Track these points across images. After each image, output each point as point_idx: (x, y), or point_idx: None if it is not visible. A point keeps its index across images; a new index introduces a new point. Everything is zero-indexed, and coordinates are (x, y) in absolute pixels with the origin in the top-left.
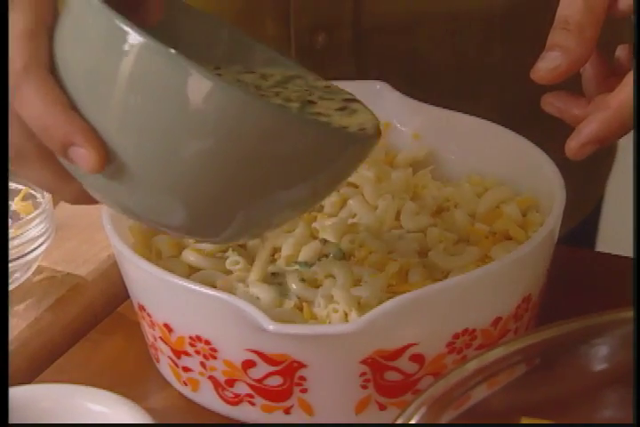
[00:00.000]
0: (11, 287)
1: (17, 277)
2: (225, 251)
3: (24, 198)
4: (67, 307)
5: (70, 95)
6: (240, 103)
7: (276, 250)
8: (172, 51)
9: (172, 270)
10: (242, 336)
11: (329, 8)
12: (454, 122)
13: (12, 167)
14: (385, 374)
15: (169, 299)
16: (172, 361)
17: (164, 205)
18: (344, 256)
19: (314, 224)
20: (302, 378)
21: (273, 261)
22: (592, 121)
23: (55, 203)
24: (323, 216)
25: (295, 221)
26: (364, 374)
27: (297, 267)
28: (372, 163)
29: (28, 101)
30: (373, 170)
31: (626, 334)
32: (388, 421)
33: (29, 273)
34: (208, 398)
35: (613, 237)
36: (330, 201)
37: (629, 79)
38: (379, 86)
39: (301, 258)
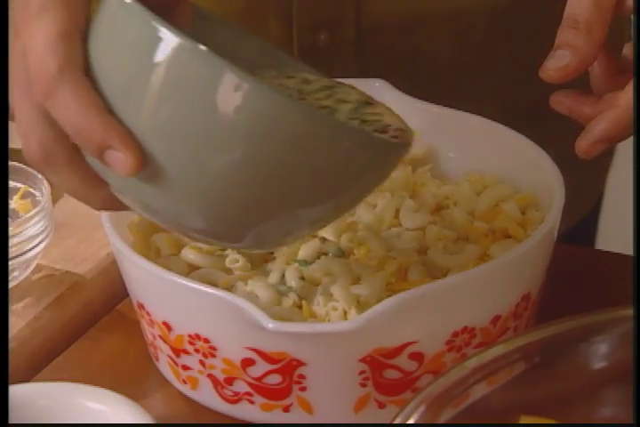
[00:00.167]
0: (10, 286)
1: (16, 276)
2: (224, 249)
3: (23, 197)
4: (66, 305)
5: (105, 98)
6: (277, 105)
7: None
8: (209, 50)
9: (171, 269)
10: (241, 334)
11: (331, 7)
12: (453, 120)
13: (39, 171)
14: (384, 373)
15: (168, 297)
16: (172, 359)
17: (196, 210)
18: (343, 254)
19: None
20: (301, 376)
21: (272, 259)
22: (602, 120)
23: (54, 201)
24: None
25: None
26: (363, 372)
27: (296, 265)
28: None
29: (63, 104)
30: None
31: (625, 331)
32: (387, 419)
33: (28, 271)
34: (207, 396)
35: (613, 235)
36: None
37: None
38: (378, 84)
39: (301, 256)
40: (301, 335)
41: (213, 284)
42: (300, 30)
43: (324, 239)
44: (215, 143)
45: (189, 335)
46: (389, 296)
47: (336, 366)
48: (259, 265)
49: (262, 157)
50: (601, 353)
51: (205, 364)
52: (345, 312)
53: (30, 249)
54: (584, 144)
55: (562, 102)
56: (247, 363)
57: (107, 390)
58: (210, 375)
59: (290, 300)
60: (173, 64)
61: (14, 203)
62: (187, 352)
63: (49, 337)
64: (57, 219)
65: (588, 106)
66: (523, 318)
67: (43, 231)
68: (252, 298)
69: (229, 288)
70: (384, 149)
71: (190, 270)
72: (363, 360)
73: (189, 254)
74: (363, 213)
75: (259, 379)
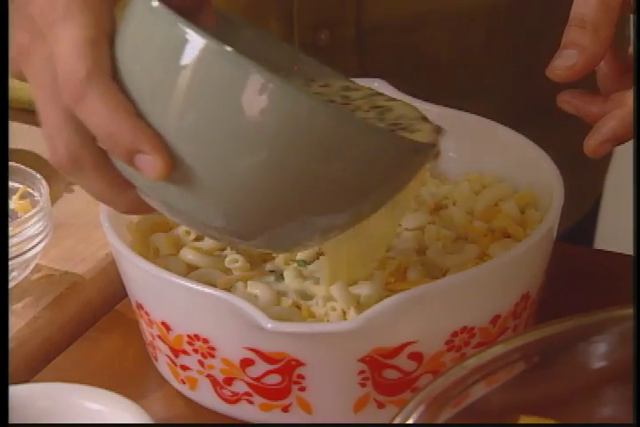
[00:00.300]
0: (9, 286)
1: (15, 276)
2: (223, 249)
3: (22, 197)
4: (65, 305)
5: (132, 101)
6: (303, 106)
7: None
8: (235, 51)
9: (169, 269)
10: (240, 335)
11: (332, 6)
12: (452, 119)
13: (66, 175)
14: (383, 373)
15: (167, 297)
16: (170, 360)
17: (222, 211)
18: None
19: None
20: (300, 376)
21: (271, 259)
22: (610, 119)
23: (53, 201)
24: None
25: None
26: (362, 372)
27: (295, 265)
28: None
29: (92, 109)
30: None
31: (624, 331)
32: (387, 419)
33: (27, 272)
34: (206, 396)
35: (612, 235)
36: None
37: None
38: (376, 84)
39: (299, 256)
40: (300, 335)
41: (212, 284)
42: (301, 29)
43: None
44: (242, 145)
45: (188, 335)
46: (388, 296)
47: (335, 367)
48: (258, 265)
49: (289, 158)
50: (600, 353)
51: (204, 364)
52: (344, 312)
53: (29, 249)
54: (592, 143)
55: (569, 102)
56: (246, 363)
57: (105, 391)
58: (209, 376)
59: (289, 300)
60: (200, 65)
61: (13, 203)
62: (185, 352)
63: (48, 337)
64: (56, 219)
65: (596, 105)
66: (522, 317)
67: (42, 231)
68: (251, 298)
69: (228, 288)
70: (410, 149)
71: (189, 271)
72: (362, 360)
73: (188, 254)
74: None
75: (258, 379)
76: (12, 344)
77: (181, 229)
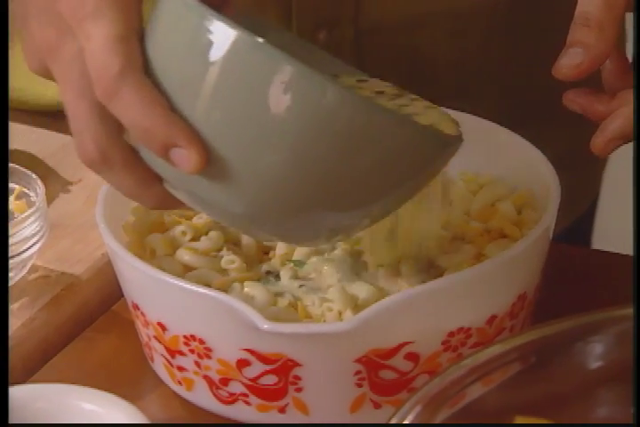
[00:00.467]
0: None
1: (11, 277)
2: (220, 250)
3: (18, 197)
4: (61, 306)
5: (165, 96)
6: (333, 96)
7: (271, 248)
8: (266, 42)
9: (166, 269)
10: (236, 335)
11: (330, 6)
12: None
13: (94, 171)
14: (380, 373)
15: (163, 298)
16: (167, 360)
17: (254, 204)
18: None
19: None
20: (297, 377)
21: (267, 259)
22: (617, 117)
23: (49, 202)
24: None
25: None
26: (358, 372)
27: (291, 265)
28: None
29: (127, 105)
30: None
31: (621, 331)
32: (383, 419)
33: (24, 272)
34: (203, 397)
35: (609, 235)
36: None
37: None
38: None
39: (296, 256)
40: (297, 336)
41: (209, 285)
42: (299, 29)
43: None
44: (275, 135)
45: (184, 336)
46: (386, 297)
47: (332, 367)
48: (254, 266)
49: (319, 148)
50: (597, 353)
51: (200, 365)
52: (340, 313)
53: (26, 250)
54: (600, 142)
55: (574, 100)
56: (242, 364)
57: (101, 392)
58: (205, 376)
59: (285, 300)
60: (231, 57)
61: (9, 203)
62: (182, 353)
63: (44, 338)
64: (52, 220)
65: (602, 104)
66: (519, 317)
67: (38, 232)
68: (247, 299)
69: (225, 289)
70: (441, 141)
71: (186, 271)
72: (358, 361)
73: (184, 255)
74: None
75: (254, 380)
76: (8, 344)
77: (178, 230)
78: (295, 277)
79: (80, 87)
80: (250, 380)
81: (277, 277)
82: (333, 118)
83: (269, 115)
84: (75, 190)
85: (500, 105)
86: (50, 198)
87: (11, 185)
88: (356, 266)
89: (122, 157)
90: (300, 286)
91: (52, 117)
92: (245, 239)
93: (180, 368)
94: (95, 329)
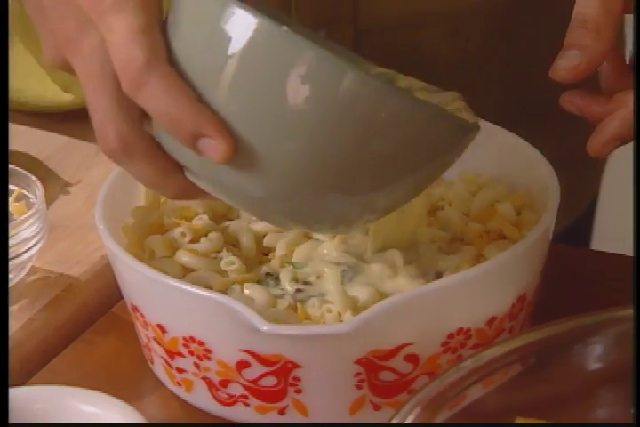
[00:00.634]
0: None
1: (11, 278)
2: (219, 251)
3: (17, 199)
4: (60, 308)
5: (190, 86)
6: (353, 80)
7: (270, 250)
8: (289, 30)
9: (165, 271)
10: (236, 337)
11: (329, 6)
12: None
13: (116, 162)
14: (379, 374)
15: (162, 300)
16: (166, 362)
17: (280, 191)
18: None
19: None
20: (296, 378)
21: (267, 261)
22: (614, 118)
23: (48, 203)
24: None
25: None
26: (358, 374)
27: (291, 267)
28: None
29: (154, 95)
30: None
31: (620, 332)
32: (383, 421)
33: (23, 274)
34: (202, 398)
35: (608, 236)
36: None
37: None
38: None
39: (295, 258)
40: (296, 338)
41: (208, 286)
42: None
43: (318, 241)
44: (297, 120)
45: (184, 338)
46: (385, 298)
47: (331, 369)
48: (254, 267)
49: (341, 133)
50: (596, 354)
51: (200, 366)
52: (340, 314)
53: (25, 251)
54: (597, 143)
55: (572, 102)
56: (242, 365)
57: (101, 393)
58: (204, 378)
59: (285, 302)
60: (254, 45)
61: (9, 205)
62: (181, 355)
63: (44, 339)
64: (51, 221)
65: (599, 105)
66: (518, 319)
67: (37, 233)
68: (246, 300)
69: (224, 291)
70: (458, 127)
71: (185, 273)
72: (358, 362)
73: (184, 257)
74: None
75: (254, 381)
76: (8, 346)
77: (177, 232)
78: (295, 279)
79: (102, 79)
80: (249, 381)
81: (277, 278)
82: (355, 103)
83: (292, 102)
84: (74, 192)
85: (499, 105)
86: (49, 200)
87: (10, 187)
88: (356, 267)
89: (143, 146)
90: (300, 288)
91: (52, 119)
92: (245, 241)
93: (180, 370)
94: (94, 331)
